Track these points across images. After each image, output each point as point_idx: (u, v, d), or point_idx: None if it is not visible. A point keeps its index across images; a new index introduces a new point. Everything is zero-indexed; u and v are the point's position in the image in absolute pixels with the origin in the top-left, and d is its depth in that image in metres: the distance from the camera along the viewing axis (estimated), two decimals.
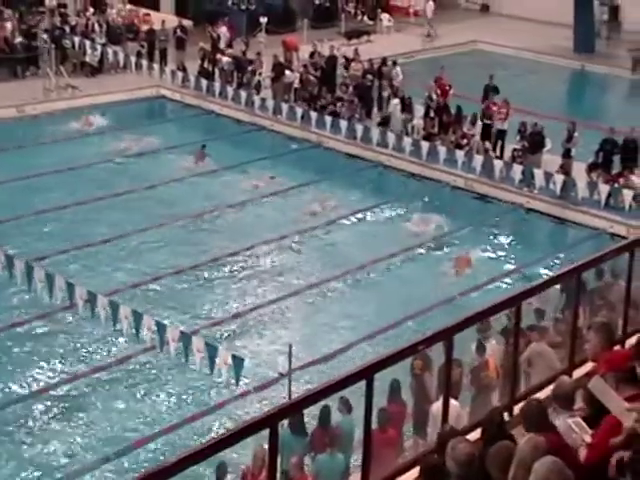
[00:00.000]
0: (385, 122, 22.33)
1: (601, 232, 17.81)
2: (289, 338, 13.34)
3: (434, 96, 22.12)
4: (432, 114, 21.82)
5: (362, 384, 6.15)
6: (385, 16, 32.26)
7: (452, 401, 8.07)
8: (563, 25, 29.80)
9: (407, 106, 22.32)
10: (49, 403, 12.37)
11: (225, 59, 25.14)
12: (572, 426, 5.12)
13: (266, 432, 5.50)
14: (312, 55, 24.84)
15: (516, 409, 7.42)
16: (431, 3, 31.67)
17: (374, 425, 7.77)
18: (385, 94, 23.20)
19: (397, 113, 22.20)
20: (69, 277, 13.52)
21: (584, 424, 5.15)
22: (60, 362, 13.22)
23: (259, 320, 14.68)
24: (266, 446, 8.45)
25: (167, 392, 12.69)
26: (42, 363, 13.18)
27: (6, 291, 14.43)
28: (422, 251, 17.37)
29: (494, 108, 21.02)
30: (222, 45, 26.17)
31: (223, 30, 26.65)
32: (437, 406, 7.85)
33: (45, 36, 24.72)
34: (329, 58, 24.78)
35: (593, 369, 6.03)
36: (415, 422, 9.81)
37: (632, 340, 7.65)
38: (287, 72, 24.18)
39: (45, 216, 17.48)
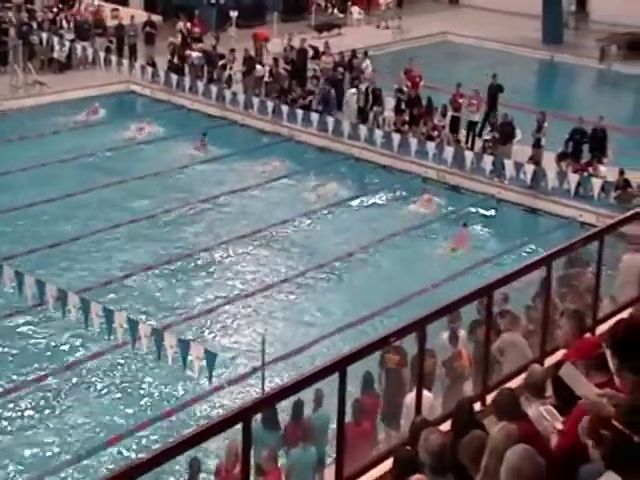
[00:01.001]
0: (359, 115, 22.33)
1: (571, 221, 17.96)
2: (262, 332, 13.31)
3: (404, 88, 22.14)
4: (403, 106, 21.84)
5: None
6: (355, 9, 32.24)
7: (425, 392, 8.09)
8: (532, 16, 29.94)
9: (377, 98, 22.33)
10: (20, 402, 12.24)
11: (195, 54, 24.98)
12: (543, 414, 5.15)
13: (239, 426, 5.47)
14: (284, 49, 24.76)
15: (489, 398, 7.46)
16: (355, 9, 31.84)
17: (348, 417, 7.78)
18: (362, 87, 23.12)
19: (352, 103, 22.27)
20: (38, 275, 13.36)
21: (555, 411, 5.18)
22: (31, 360, 13.09)
23: (231, 314, 14.64)
24: (239, 440, 8.46)
25: (140, 388, 12.62)
26: (13, 362, 13.05)
27: None
28: (398, 240, 17.38)
29: (461, 100, 21.09)
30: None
31: (188, 25, 26.44)
32: (411, 397, 7.86)
33: (12, 32, 24.41)
34: (299, 51, 24.72)
35: (564, 357, 6.05)
36: (386, 414, 9.82)
37: (602, 327, 7.71)
38: (258, 66, 24.09)
39: (13, 214, 17.27)
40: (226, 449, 9.14)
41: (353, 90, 22.57)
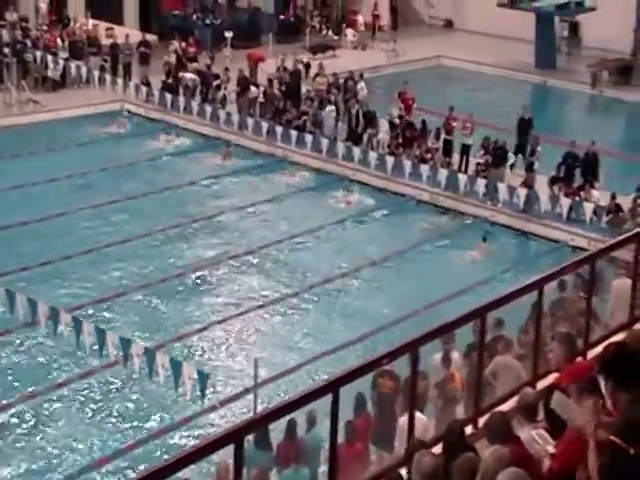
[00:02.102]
0: (353, 136, 22.46)
1: (563, 245, 18.04)
2: (255, 352, 13.30)
3: (395, 113, 22.24)
4: (397, 129, 21.96)
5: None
6: (349, 31, 32.49)
7: (419, 415, 8.08)
8: (525, 41, 30.22)
9: (372, 120, 22.46)
10: (10, 420, 12.18)
11: (188, 75, 25.06)
12: (535, 437, 5.17)
13: (231, 447, 5.46)
14: (277, 70, 24.91)
15: (481, 421, 7.47)
16: (350, 31, 32.22)
17: (341, 439, 7.77)
18: (354, 109, 23.23)
19: (330, 120, 22.60)
20: (30, 293, 13.33)
21: (547, 435, 5.21)
22: (21, 379, 13.03)
23: (224, 334, 14.62)
24: (230, 461, 8.43)
25: (131, 408, 12.57)
26: (2, 380, 12.97)
27: None
28: (392, 264, 17.42)
29: (454, 123, 21.23)
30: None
31: (183, 45, 26.57)
32: (405, 419, 7.85)
33: (6, 50, 24.49)
34: (293, 72, 24.86)
35: (555, 381, 6.07)
36: (379, 437, 9.80)
37: (594, 351, 7.74)
38: (252, 87, 24.20)
39: (5, 232, 17.23)
40: (216, 469, 9.10)
41: (331, 107, 22.88)
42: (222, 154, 22.22)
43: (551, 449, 4.99)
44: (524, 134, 20.82)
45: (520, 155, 20.51)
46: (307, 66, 26.11)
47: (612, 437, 3.84)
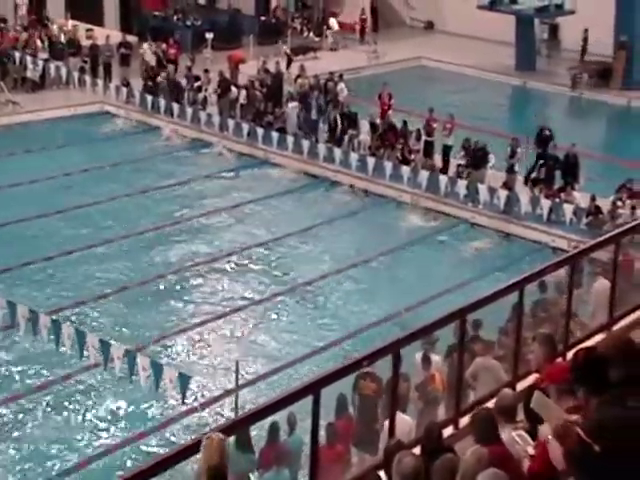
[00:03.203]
0: (333, 137, 22.49)
1: (543, 246, 18.14)
2: (236, 354, 13.28)
3: (376, 114, 22.34)
4: (379, 131, 22.03)
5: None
6: (332, 22, 32.48)
7: (405, 416, 8.09)
8: (505, 43, 30.37)
9: (352, 122, 22.49)
10: None
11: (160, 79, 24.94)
12: (515, 438, 5.19)
13: None
14: (258, 71, 24.89)
15: (462, 422, 7.50)
16: (333, 20, 32.27)
17: (322, 441, 7.77)
18: (334, 110, 23.26)
19: (293, 117, 22.92)
20: (9, 296, 13.24)
21: (527, 436, 5.22)
22: (1, 381, 12.92)
23: (205, 336, 14.57)
24: None
25: (112, 411, 12.50)
26: None
27: None
28: (373, 265, 17.44)
29: (434, 125, 21.29)
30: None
31: (163, 47, 26.44)
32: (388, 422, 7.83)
33: None
34: (275, 74, 24.84)
35: (535, 382, 6.10)
36: (360, 439, 9.81)
37: (572, 352, 7.78)
38: (233, 88, 24.17)
39: None
40: (196, 472, 9.06)
41: (295, 103, 23.06)
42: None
43: (531, 450, 5.01)
44: (544, 145, 20.42)
45: (538, 164, 19.98)
46: (289, 61, 26.17)
47: (579, 432, 3.94)
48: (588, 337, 8.68)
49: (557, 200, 19.09)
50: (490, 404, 7.12)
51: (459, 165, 20.69)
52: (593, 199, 18.57)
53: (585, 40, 30.11)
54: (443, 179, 20.03)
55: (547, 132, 20.68)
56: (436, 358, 10.09)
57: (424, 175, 20.08)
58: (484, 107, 26.01)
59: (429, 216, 19.74)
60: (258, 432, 9.61)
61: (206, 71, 24.74)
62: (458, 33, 32.94)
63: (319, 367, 12.90)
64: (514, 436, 5.19)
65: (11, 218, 17.71)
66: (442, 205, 19.77)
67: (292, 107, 23.11)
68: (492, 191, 19.33)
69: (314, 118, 23.13)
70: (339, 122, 22.39)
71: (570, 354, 7.89)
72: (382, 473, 5.70)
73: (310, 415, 6.26)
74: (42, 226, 17.80)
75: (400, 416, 7.48)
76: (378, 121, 22.18)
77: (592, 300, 10.57)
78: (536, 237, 18.51)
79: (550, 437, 4.26)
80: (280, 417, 9.17)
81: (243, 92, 24.02)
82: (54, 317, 12.76)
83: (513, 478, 4.44)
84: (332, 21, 32.59)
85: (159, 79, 24.83)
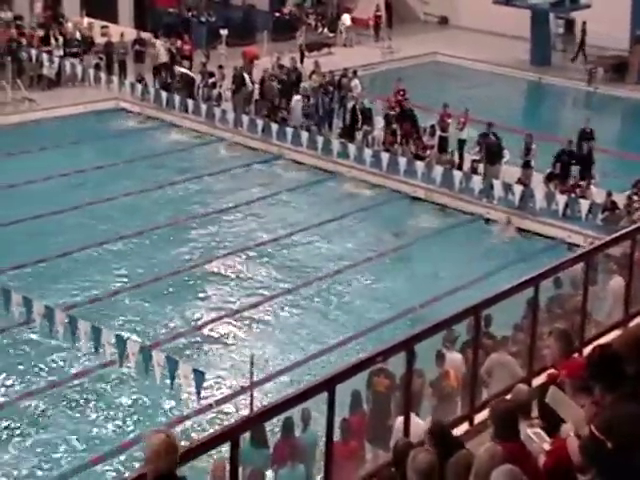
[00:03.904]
0: (346, 133, 22.48)
1: (559, 242, 18.05)
2: (251, 350, 13.30)
3: (397, 109, 22.35)
4: (393, 126, 22.01)
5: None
6: (344, 27, 32.41)
7: (417, 419, 8.05)
8: (520, 38, 30.22)
9: (367, 118, 22.47)
10: (4, 420, 12.14)
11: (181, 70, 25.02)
12: (531, 435, 5.16)
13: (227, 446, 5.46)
14: (272, 67, 24.89)
15: (477, 419, 7.48)
16: (346, 16, 32.22)
17: (336, 437, 7.76)
18: (349, 105, 23.25)
19: (298, 110, 22.94)
20: (26, 291, 13.30)
21: (543, 433, 5.20)
22: (17, 378, 13.00)
23: (220, 333, 14.60)
24: (220, 461, 8.44)
25: (127, 407, 12.55)
26: None
27: None
28: (387, 261, 17.44)
29: (449, 120, 21.23)
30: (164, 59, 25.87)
31: (178, 43, 26.47)
32: (401, 421, 7.81)
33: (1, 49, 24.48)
34: (292, 70, 24.83)
35: (550, 377, 6.08)
36: (374, 435, 9.81)
37: (588, 349, 7.74)
38: (247, 84, 24.15)
39: (4, 230, 17.19)
40: (212, 468, 9.09)
41: (298, 97, 23.10)
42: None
43: (547, 447, 4.99)
44: (582, 145, 20.08)
45: (579, 167, 19.54)
46: (302, 57, 26.35)
47: (593, 429, 3.95)
48: (604, 334, 8.64)
49: (573, 196, 18.99)
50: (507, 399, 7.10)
51: (474, 160, 20.63)
52: (609, 194, 18.46)
53: (584, 32, 30.06)
54: (457, 174, 19.97)
55: (588, 129, 20.36)
56: (457, 356, 10.02)
57: (438, 170, 20.03)
58: (499, 102, 25.89)
59: (444, 212, 19.71)
60: (270, 427, 9.63)
61: (220, 67, 24.76)
62: (473, 28, 32.80)
63: (334, 363, 12.91)
64: (530, 433, 5.17)
65: (26, 215, 17.79)
66: (456, 201, 19.72)
67: (296, 100, 23.17)
68: (507, 186, 19.25)
69: (325, 114, 23.13)
70: (358, 116, 22.37)
71: (586, 351, 7.86)
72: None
73: (323, 412, 6.26)
74: (57, 223, 17.87)
75: (413, 420, 7.44)
76: (392, 112, 22.15)
77: (608, 297, 10.51)
78: (551, 233, 18.42)
79: (571, 433, 4.26)
80: (293, 413, 9.18)
81: (257, 88, 24.04)
82: (70, 313, 12.80)
83: (528, 475, 4.42)
84: (345, 17, 32.52)
85: (181, 70, 24.84)
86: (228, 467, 7.90)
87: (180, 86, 24.10)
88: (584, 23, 29.86)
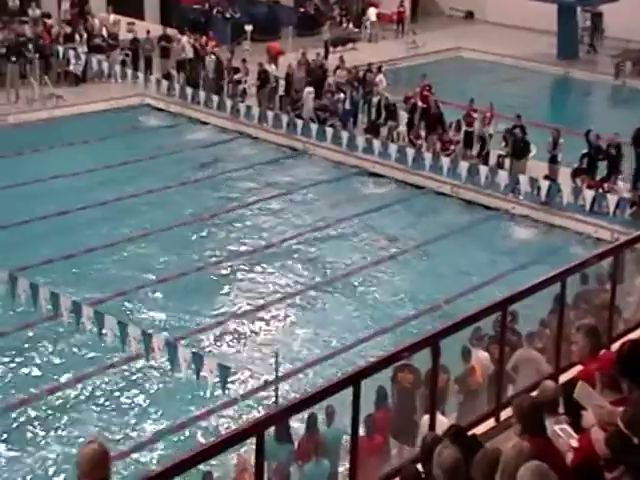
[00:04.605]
0: (372, 129, 22.44)
1: (586, 237, 17.90)
2: (276, 345, 13.33)
3: (419, 103, 22.29)
4: (416, 120, 21.98)
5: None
6: (371, 11, 32.30)
7: (442, 417, 8.01)
8: (546, 32, 29.98)
9: (392, 113, 22.42)
10: (32, 413, 12.26)
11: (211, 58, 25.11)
12: (558, 432, 5.12)
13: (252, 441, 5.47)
14: (298, 63, 24.88)
15: (503, 414, 7.43)
16: (372, 10, 32.10)
17: (361, 432, 7.75)
18: (374, 100, 23.21)
19: (309, 102, 23.01)
20: (53, 286, 13.41)
21: (570, 429, 5.15)
22: (43, 372, 13.12)
23: (246, 327, 14.64)
24: (245, 454, 8.45)
25: (152, 401, 12.62)
26: (25, 373, 13.07)
27: None
28: (407, 256, 17.39)
29: (475, 115, 21.12)
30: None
31: (203, 40, 26.55)
32: (426, 418, 7.76)
33: (29, 45, 24.67)
34: (318, 66, 24.82)
35: (579, 373, 6.02)
36: (399, 431, 9.78)
37: (616, 345, 7.66)
38: (272, 70, 24.18)
39: (28, 225, 17.34)
40: (235, 463, 9.13)
41: (310, 89, 23.13)
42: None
43: (574, 443, 4.94)
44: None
45: (606, 162, 19.19)
46: (326, 52, 26.74)
47: (619, 423, 3.92)
48: (632, 330, 8.55)
49: (600, 191, 18.82)
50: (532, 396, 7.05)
51: (500, 155, 20.51)
52: (637, 189, 18.25)
53: (597, 22, 29.90)
54: (483, 169, 19.86)
55: None
56: (484, 354, 9.95)
57: (464, 166, 19.94)
58: (525, 97, 25.70)
59: (469, 207, 19.62)
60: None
61: (244, 61, 24.83)
62: (498, 22, 32.60)
63: (359, 359, 12.90)
64: (557, 429, 5.12)
65: (53, 211, 17.94)
66: (482, 196, 19.61)
67: (307, 92, 23.21)
68: (533, 181, 19.12)
69: (350, 109, 23.12)
70: (382, 111, 22.34)
71: (614, 346, 7.78)
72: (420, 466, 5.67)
73: (346, 407, 6.25)
74: (83, 218, 17.99)
75: (438, 418, 7.40)
76: (419, 103, 22.11)
77: (635, 293, 10.40)
78: (578, 228, 18.27)
79: (595, 427, 4.23)
80: (318, 408, 9.19)
81: (282, 84, 24.06)
82: (96, 308, 12.89)
83: (556, 471, 4.38)
84: (371, 11, 32.40)
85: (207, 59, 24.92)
86: (251, 462, 7.95)
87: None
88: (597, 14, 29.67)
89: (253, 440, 5.51)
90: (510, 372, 8.86)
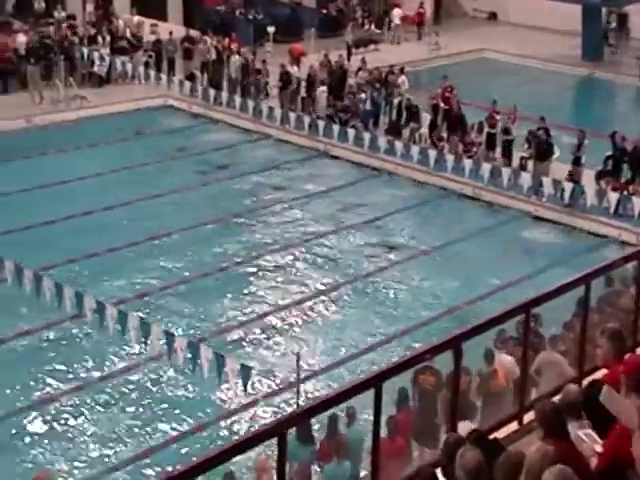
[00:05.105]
0: (394, 130, 22.41)
1: (610, 240, 17.76)
2: (298, 346, 13.34)
3: (441, 104, 22.25)
4: (438, 121, 21.94)
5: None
6: (396, 12, 32.27)
7: (466, 423, 7.95)
8: (571, 33, 29.79)
9: (414, 114, 22.38)
10: (55, 412, 12.35)
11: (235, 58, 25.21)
12: (582, 436, 5.08)
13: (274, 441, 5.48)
14: (320, 64, 24.90)
15: (526, 418, 7.39)
16: (397, 11, 32.06)
17: (383, 434, 7.74)
18: (395, 101, 23.20)
19: (322, 101, 23.20)
20: (78, 286, 13.50)
21: (594, 434, 5.11)
22: (67, 371, 13.21)
23: (267, 328, 14.66)
24: (263, 456, 8.47)
25: (174, 401, 12.67)
26: (49, 372, 13.17)
27: (14, 300, 14.42)
28: (429, 258, 17.35)
29: (498, 117, 21.02)
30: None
31: (225, 41, 26.64)
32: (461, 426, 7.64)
33: (54, 47, 24.89)
34: (338, 67, 24.82)
35: (603, 377, 5.98)
36: (420, 433, 9.75)
37: None
38: (294, 76, 24.24)
39: (52, 225, 17.47)
40: (254, 464, 9.13)
41: (323, 88, 23.22)
42: None
43: (598, 448, 4.90)
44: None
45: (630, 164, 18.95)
46: (349, 53, 26.84)
47: None
48: None
49: (625, 193, 18.66)
50: (555, 400, 7.01)
51: (522, 157, 20.41)
52: None
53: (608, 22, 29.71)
54: (506, 171, 19.76)
55: None
56: (508, 358, 9.89)
57: (486, 167, 19.85)
58: (549, 99, 25.55)
59: (492, 209, 19.54)
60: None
61: (264, 62, 24.90)
62: (522, 24, 32.45)
63: (380, 360, 12.88)
64: (580, 434, 5.09)
65: (77, 210, 18.07)
66: (504, 198, 19.52)
67: (321, 91, 23.27)
68: (557, 183, 18.99)
69: (372, 111, 23.11)
70: (402, 112, 22.33)
71: (639, 350, 7.72)
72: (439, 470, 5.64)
73: (366, 408, 6.24)
74: (107, 218, 18.11)
75: (460, 424, 7.36)
76: (442, 105, 22.05)
77: None
78: (602, 231, 18.13)
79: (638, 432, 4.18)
80: (339, 409, 9.18)
81: (304, 85, 24.10)
82: (119, 308, 12.96)
83: (579, 476, 4.35)
84: (395, 13, 32.34)
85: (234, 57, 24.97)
86: (270, 463, 7.96)
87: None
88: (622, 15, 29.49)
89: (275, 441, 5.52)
90: (533, 375, 8.81)
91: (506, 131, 20.76)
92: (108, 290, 15.09)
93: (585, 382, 7.44)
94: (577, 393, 5.95)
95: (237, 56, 25.44)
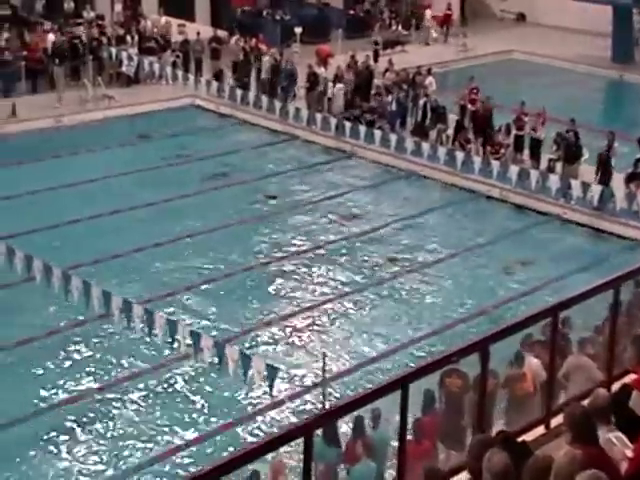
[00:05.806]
0: (420, 131, 22.34)
1: (639, 243, 17.57)
2: (324, 347, 13.33)
3: (469, 105, 22.17)
4: (465, 123, 21.83)
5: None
6: (428, 13, 32.20)
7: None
8: (600, 34, 29.52)
9: (441, 116, 22.29)
10: (80, 411, 12.42)
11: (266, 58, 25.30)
12: (613, 440, 5.02)
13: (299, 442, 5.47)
14: (348, 65, 24.89)
15: (554, 422, 7.33)
16: (429, 12, 32.00)
17: (409, 436, 7.70)
18: (421, 102, 23.16)
19: (339, 99, 23.14)
20: (103, 286, 13.59)
21: (624, 438, 5.06)
22: (94, 370, 13.30)
23: (294, 328, 14.66)
24: (280, 460, 8.45)
25: (201, 401, 12.70)
26: (75, 371, 13.26)
27: (43, 299, 14.55)
28: (456, 260, 17.28)
29: (526, 118, 20.88)
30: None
31: (252, 42, 26.69)
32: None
33: (83, 47, 25.11)
34: (365, 68, 24.80)
35: (632, 383, 5.92)
36: (446, 435, 9.70)
37: None
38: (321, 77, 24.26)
39: (79, 224, 17.60)
40: (270, 467, 9.10)
41: (340, 85, 23.22)
42: None
43: (629, 453, 4.85)
44: None
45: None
46: (376, 55, 26.88)
47: None
48: None
49: None
50: (584, 404, 6.94)
51: (551, 159, 20.25)
52: None
53: None
54: (534, 174, 19.62)
55: None
56: (535, 361, 9.82)
57: (514, 170, 19.73)
58: (578, 101, 25.35)
59: (519, 212, 19.42)
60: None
61: (287, 62, 24.95)
62: (551, 25, 32.22)
63: (407, 362, 12.84)
64: (611, 437, 5.03)
65: (105, 210, 18.19)
66: (532, 200, 19.38)
67: (338, 89, 23.26)
68: (585, 186, 18.82)
69: (399, 112, 23.05)
70: (428, 113, 22.26)
71: None
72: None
73: (392, 411, 6.22)
74: (133, 218, 18.20)
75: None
76: (469, 106, 21.97)
77: None
78: (631, 234, 17.95)
79: None
80: (364, 411, 9.16)
81: (331, 86, 24.09)
82: (146, 307, 13.01)
83: None
84: (428, 13, 32.26)
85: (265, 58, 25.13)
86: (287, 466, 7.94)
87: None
88: None
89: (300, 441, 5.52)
90: (561, 379, 8.73)
91: (534, 133, 20.64)
92: (134, 290, 15.16)
93: (614, 386, 7.37)
94: (606, 397, 5.89)
95: (267, 56, 25.49)
